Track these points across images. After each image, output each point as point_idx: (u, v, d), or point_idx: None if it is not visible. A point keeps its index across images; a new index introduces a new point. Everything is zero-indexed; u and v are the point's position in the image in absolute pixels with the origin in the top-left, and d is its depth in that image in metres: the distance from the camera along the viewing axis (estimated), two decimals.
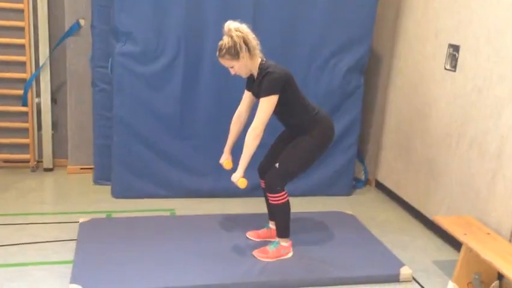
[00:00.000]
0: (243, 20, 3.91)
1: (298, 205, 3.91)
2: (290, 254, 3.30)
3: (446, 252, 3.67)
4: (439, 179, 3.90)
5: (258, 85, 3.05)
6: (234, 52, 2.96)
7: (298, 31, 4.13)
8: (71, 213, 3.86)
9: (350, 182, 4.62)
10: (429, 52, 4.02)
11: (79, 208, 3.95)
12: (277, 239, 3.29)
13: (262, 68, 3.04)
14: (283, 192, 3.16)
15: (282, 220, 3.24)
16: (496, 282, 3.17)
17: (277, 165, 3.13)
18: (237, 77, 4.06)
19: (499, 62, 3.29)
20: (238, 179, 3.07)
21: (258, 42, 3.03)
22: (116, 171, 4.13)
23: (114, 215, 3.86)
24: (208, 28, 3.95)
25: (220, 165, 4.22)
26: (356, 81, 4.34)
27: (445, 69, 3.83)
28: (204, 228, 3.62)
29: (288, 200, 3.19)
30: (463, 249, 3.08)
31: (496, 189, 3.31)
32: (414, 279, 3.26)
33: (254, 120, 3.01)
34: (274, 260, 3.24)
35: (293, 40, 4.14)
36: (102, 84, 4.25)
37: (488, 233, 3.18)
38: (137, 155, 4.11)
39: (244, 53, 2.97)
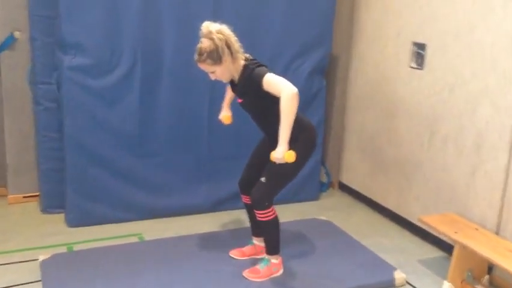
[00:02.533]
0: (202, 21, 3.71)
1: None
2: (281, 271, 3.12)
3: (428, 251, 3.66)
4: (412, 178, 3.88)
5: (245, 84, 2.82)
6: (216, 56, 2.73)
7: (258, 35, 3.96)
8: (25, 250, 3.42)
9: (317, 186, 4.52)
10: (392, 51, 4.01)
11: (32, 243, 3.51)
12: (266, 257, 3.09)
13: (247, 67, 2.82)
14: (272, 208, 2.97)
15: (271, 237, 3.05)
16: (487, 277, 3.19)
17: (263, 179, 2.93)
18: (197, 86, 3.85)
19: (471, 59, 3.31)
20: (284, 153, 2.69)
21: (241, 44, 2.82)
22: (70, 196, 3.73)
23: (76, 248, 3.47)
24: (165, 35, 3.69)
25: (186, 181, 3.98)
26: (318, 84, 4.25)
27: (410, 67, 3.82)
28: (180, 252, 3.35)
29: (276, 215, 3.01)
30: (456, 247, 3.06)
31: (476, 184, 3.33)
32: (407, 282, 3.20)
33: (282, 89, 2.65)
34: (266, 279, 3.04)
35: (254, 44, 3.92)
36: (46, 103, 3.82)
37: (476, 229, 3.19)
38: (94, 177, 3.74)
39: (226, 57, 2.75)
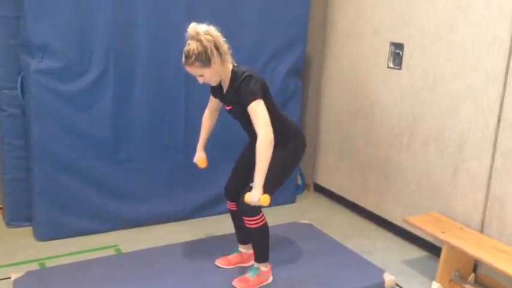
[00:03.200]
0: (176, 28, 3.58)
1: None
2: (271, 279, 3.02)
3: (411, 251, 3.66)
4: (392, 178, 3.88)
5: (235, 93, 2.72)
6: (204, 58, 2.61)
7: (234, 37, 3.75)
8: None
9: (294, 189, 4.45)
10: (368, 51, 3.99)
11: (0, 260, 3.27)
12: (255, 265, 3.00)
13: (236, 73, 2.72)
14: (261, 214, 2.88)
15: (261, 244, 2.95)
16: (472, 275, 3.21)
17: (252, 184, 2.83)
18: (173, 88, 3.70)
19: (451, 59, 3.33)
20: (259, 197, 2.67)
21: (229, 46, 2.71)
22: (39, 208, 3.51)
23: (48, 263, 3.25)
24: (138, 35, 3.52)
25: (163, 187, 3.82)
26: (294, 84, 4.19)
27: (388, 67, 3.81)
28: (162, 264, 3.19)
29: (266, 221, 2.91)
30: (444, 247, 3.06)
31: (459, 184, 3.35)
32: (396, 284, 3.18)
33: (258, 131, 2.63)
34: None
35: (230, 47, 3.84)
36: (10, 109, 3.57)
37: (461, 228, 3.21)
38: (64, 186, 3.53)
39: (216, 59, 2.63)
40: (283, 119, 2.88)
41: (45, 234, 3.53)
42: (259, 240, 2.94)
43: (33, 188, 3.50)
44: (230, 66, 2.74)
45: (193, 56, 2.60)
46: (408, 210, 3.74)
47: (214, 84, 2.79)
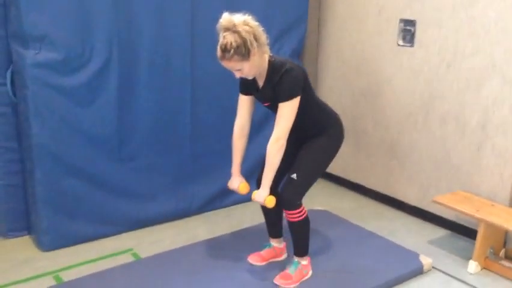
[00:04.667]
0: (179, 16, 3.33)
1: (255, 213, 3.54)
2: (311, 273, 2.89)
3: (432, 230, 3.63)
4: (404, 159, 3.82)
5: (273, 87, 2.53)
6: (244, 51, 2.40)
7: None
8: (3, 286, 2.86)
9: None
10: (373, 30, 3.88)
11: (8, 277, 2.94)
12: (296, 259, 2.85)
13: (274, 65, 2.52)
14: (302, 207, 2.73)
15: (302, 237, 2.80)
16: (503, 250, 3.21)
17: (294, 176, 2.67)
18: (178, 80, 3.45)
19: (472, 34, 3.27)
20: (265, 197, 2.57)
21: (267, 35, 2.50)
22: (43, 215, 3.19)
23: (63, 276, 2.96)
24: (142, 23, 3.25)
25: (171, 183, 3.58)
26: None
27: (398, 45, 3.72)
28: (190, 265, 2.98)
29: (307, 214, 2.77)
30: (481, 226, 3.03)
31: (483, 160, 3.33)
32: (433, 267, 3.13)
33: (275, 129, 2.50)
34: (298, 284, 2.80)
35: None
36: (1, 107, 3.20)
37: (492, 205, 3.19)
38: (69, 190, 3.23)
39: (255, 51, 2.42)
40: (322, 106, 2.73)
41: (52, 243, 3.23)
42: (300, 234, 2.79)
43: (34, 193, 3.17)
44: (267, 57, 2.54)
45: (232, 50, 2.38)
46: (425, 190, 3.70)
47: (251, 77, 2.57)
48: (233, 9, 3.48)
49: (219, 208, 3.87)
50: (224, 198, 3.88)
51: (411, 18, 3.60)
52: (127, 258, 3.16)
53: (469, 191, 3.41)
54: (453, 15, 3.35)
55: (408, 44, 3.65)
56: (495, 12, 3.12)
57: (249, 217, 3.75)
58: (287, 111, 2.48)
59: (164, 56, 3.37)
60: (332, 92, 4.32)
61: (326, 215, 3.73)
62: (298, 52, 4.06)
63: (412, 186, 3.80)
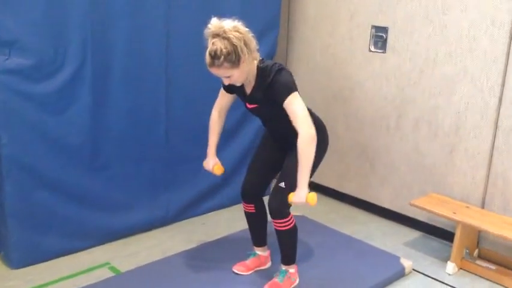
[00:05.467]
0: (155, 19, 3.25)
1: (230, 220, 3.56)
2: (298, 280, 2.88)
3: (407, 232, 3.70)
4: (377, 163, 3.88)
5: (264, 90, 2.48)
6: (234, 58, 2.35)
7: None
8: None
9: None
10: (345, 35, 3.92)
11: None
12: (283, 267, 2.83)
13: (264, 69, 2.49)
14: (291, 216, 2.72)
15: (290, 246, 2.79)
16: (476, 250, 3.32)
17: (282, 184, 2.65)
18: (152, 85, 3.35)
19: (444, 41, 3.36)
20: (306, 197, 2.47)
21: (257, 41, 2.47)
22: (13, 231, 3.00)
23: None
24: (116, 28, 3.12)
25: (145, 192, 3.48)
26: None
27: (370, 51, 3.77)
28: (175, 280, 2.90)
29: (295, 223, 2.75)
30: (458, 227, 3.11)
31: (456, 163, 3.43)
32: (413, 269, 3.19)
33: (299, 126, 2.43)
34: None
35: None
36: None
37: (467, 207, 3.29)
38: (40, 202, 3.06)
39: (245, 58, 2.38)
40: (311, 113, 2.72)
41: (22, 260, 3.05)
42: (288, 243, 2.78)
43: (3, 207, 2.99)
44: (256, 63, 2.51)
45: (222, 57, 2.32)
46: (397, 193, 3.78)
47: (239, 84, 2.53)
48: (208, 12, 3.44)
49: (193, 216, 3.80)
50: (197, 206, 3.82)
51: (384, 25, 3.66)
52: (105, 273, 3.03)
53: (441, 193, 3.50)
54: (425, 22, 3.43)
55: (380, 50, 3.71)
56: (467, 20, 3.22)
57: (225, 224, 3.70)
58: (296, 105, 2.44)
59: (138, 61, 3.26)
60: (302, 95, 4.30)
61: (303, 220, 3.71)
62: (272, 55, 4.03)
63: (385, 189, 3.87)
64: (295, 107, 2.44)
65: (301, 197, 2.48)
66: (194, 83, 3.53)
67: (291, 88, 2.45)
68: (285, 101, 2.44)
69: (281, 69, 2.48)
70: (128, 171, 3.40)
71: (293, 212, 3.78)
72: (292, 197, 2.51)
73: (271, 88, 2.46)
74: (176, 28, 3.36)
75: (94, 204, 3.27)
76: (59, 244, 3.15)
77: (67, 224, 3.17)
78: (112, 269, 3.08)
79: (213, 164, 2.83)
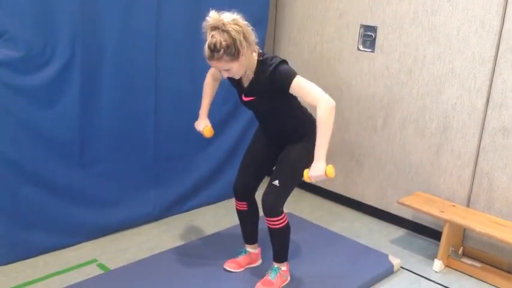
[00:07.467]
0: (146, 12, 3.21)
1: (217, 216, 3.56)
2: (289, 278, 2.89)
3: (392, 230, 3.75)
4: (363, 161, 3.92)
5: (264, 82, 2.47)
6: (234, 51, 2.33)
7: (200, 17, 3.53)
8: None
9: None
10: (333, 34, 3.93)
11: None
12: (275, 265, 2.83)
13: (264, 63, 2.48)
14: (284, 214, 2.72)
15: (282, 244, 2.79)
16: (461, 248, 3.39)
17: (276, 182, 2.64)
18: (142, 80, 3.31)
19: (433, 41, 3.41)
20: (325, 169, 2.42)
21: (256, 34, 2.45)
22: None
23: None
24: (107, 21, 3.07)
25: (132, 188, 3.44)
26: None
27: (358, 50, 3.80)
28: (165, 277, 2.87)
29: (288, 220, 2.75)
30: (446, 226, 3.17)
31: (442, 163, 3.49)
32: (401, 267, 3.23)
33: (317, 99, 2.39)
34: None
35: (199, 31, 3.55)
36: None
37: (453, 205, 3.35)
38: (27, 199, 2.99)
39: (245, 51, 2.37)
40: (303, 108, 2.73)
41: (7, 257, 2.98)
42: (281, 241, 2.78)
43: None
44: (255, 56, 2.50)
45: (222, 50, 2.31)
46: (383, 191, 3.82)
47: (238, 77, 2.51)
48: (197, 7, 3.43)
49: (180, 212, 3.77)
50: (184, 203, 3.80)
51: (372, 24, 3.69)
52: (93, 270, 2.98)
53: (427, 192, 3.56)
54: (414, 22, 3.47)
55: (369, 50, 3.74)
56: (457, 21, 3.27)
57: (212, 221, 3.69)
58: (304, 83, 2.41)
59: (128, 55, 3.22)
60: None
61: (290, 217, 3.68)
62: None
63: (370, 187, 3.91)
64: (305, 85, 2.42)
65: (319, 169, 2.41)
66: (183, 81, 3.51)
67: (294, 73, 2.44)
68: (292, 85, 2.42)
69: (282, 61, 2.48)
70: (117, 167, 3.36)
71: None
72: (310, 171, 2.43)
73: (273, 78, 2.44)
74: (167, 25, 3.32)
75: (82, 200, 3.22)
76: (46, 240, 3.09)
77: (53, 220, 3.11)
78: (100, 265, 3.03)
79: (203, 125, 2.86)
